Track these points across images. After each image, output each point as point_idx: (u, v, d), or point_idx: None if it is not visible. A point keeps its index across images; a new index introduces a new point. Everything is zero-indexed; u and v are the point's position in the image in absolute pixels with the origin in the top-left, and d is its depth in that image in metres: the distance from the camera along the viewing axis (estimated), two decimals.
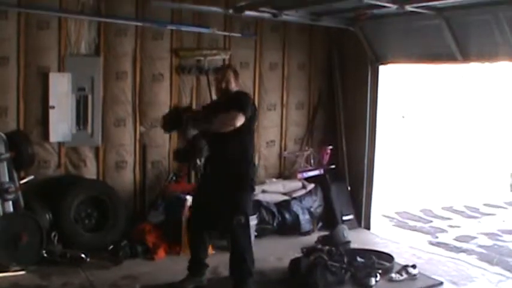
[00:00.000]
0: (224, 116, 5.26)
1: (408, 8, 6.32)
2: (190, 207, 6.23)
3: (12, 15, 6.53)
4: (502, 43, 6.24)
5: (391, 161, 10.84)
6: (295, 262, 6.13)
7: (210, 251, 6.08)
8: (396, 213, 9.45)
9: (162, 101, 7.46)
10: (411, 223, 8.97)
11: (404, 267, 6.25)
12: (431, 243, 7.83)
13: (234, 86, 5.58)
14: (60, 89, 6.84)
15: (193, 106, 7.38)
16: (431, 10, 6.55)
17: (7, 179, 5.97)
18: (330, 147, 8.43)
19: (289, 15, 7.34)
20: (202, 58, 7.61)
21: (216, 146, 5.60)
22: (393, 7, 6.33)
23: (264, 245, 7.10)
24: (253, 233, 7.00)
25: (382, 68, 8.06)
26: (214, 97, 6.59)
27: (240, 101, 5.39)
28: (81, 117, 7.06)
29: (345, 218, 8.12)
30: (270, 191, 7.86)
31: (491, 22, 6.20)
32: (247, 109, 5.33)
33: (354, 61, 8.48)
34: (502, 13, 6.02)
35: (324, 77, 8.72)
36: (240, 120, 5.22)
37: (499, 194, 11.38)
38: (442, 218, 9.42)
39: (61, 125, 6.88)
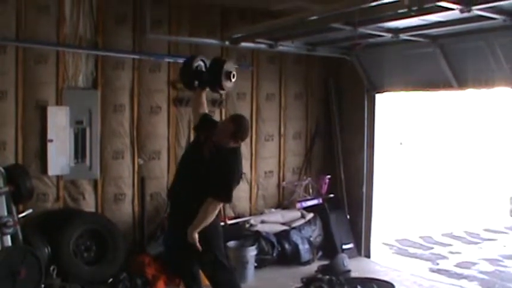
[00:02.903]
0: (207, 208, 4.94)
1: (403, 36, 6.40)
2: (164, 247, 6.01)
3: (11, 50, 6.57)
4: (497, 69, 6.29)
5: (390, 188, 10.82)
6: None
7: (205, 281, 5.94)
8: (396, 240, 9.42)
9: (160, 133, 7.49)
10: (411, 250, 8.94)
11: None
12: (432, 270, 7.80)
13: (227, 143, 5.10)
14: (58, 122, 6.86)
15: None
16: (425, 38, 6.63)
17: (5, 213, 5.93)
18: (328, 176, 8.45)
19: (285, 46, 7.43)
20: None
21: (184, 181, 5.27)
22: (388, 36, 6.41)
23: (264, 276, 7.08)
24: (252, 264, 6.99)
25: (379, 96, 8.12)
26: None
27: (225, 178, 5.04)
28: (79, 150, 7.05)
29: (344, 246, 8.12)
30: (269, 221, 7.85)
31: (485, 49, 6.26)
32: (230, 192, 5.08)
33: (350, 90, 8.55)
34: (496, 39, 6.09)
35: (321, 106, 8.78)
36: (216, 209, 5.00)
37: (499, 219, 11.35)
38: (443, 244, 9.40)
39: (59, 158, 6.88)
